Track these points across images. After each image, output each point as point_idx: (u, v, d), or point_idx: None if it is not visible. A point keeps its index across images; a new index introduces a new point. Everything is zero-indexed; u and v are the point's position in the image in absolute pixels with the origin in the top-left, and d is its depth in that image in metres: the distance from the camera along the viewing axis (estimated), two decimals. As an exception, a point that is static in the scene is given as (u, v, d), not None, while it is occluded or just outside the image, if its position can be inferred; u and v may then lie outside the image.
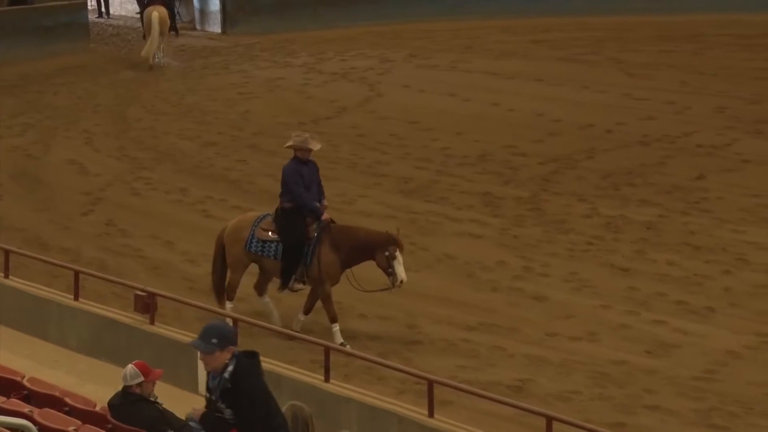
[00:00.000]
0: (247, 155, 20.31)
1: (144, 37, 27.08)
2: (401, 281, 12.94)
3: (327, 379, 11.70)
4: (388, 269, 12.92)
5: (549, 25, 28.28)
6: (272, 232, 13.20)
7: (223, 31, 29.64)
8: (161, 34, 26.02)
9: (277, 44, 28.02)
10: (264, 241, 13.19)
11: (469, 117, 22.07)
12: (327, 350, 11.76)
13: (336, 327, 13.08)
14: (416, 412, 11.14)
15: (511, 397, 11.45)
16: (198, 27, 30.39)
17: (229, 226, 13.58)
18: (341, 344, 12.87)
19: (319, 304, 13.34)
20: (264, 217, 13.42)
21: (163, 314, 12.99)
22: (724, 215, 16.92)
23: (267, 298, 13.56)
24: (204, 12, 30.33)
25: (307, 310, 13.33)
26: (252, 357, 8.27)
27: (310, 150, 13.43)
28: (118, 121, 22.40)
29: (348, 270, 13.22)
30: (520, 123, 21.56)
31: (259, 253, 13.23)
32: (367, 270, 13.34)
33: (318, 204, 13.21)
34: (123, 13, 32.33)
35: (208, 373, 8.32)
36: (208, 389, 8.32)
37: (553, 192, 18.18)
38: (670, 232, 16.44)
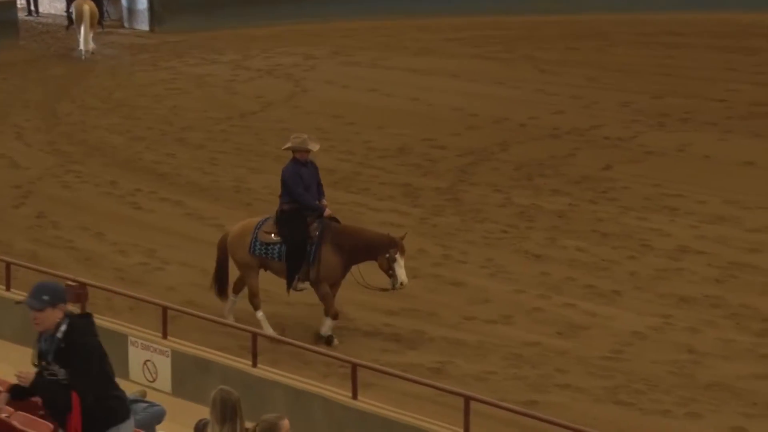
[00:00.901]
0: (176, 149, 20.12)
1: (67, 28, 26.93)
2: (401, 283, 12.54)
3: (255, 364, 11.64)
4: (389, 271, 12.54)
5: (463, 24, 28.43)
6: (274, 234, 12.80)
7: (151, 29, 29.35)
8: (91, 26, 25.86)
9: (204, 42, 27.81)
10: (267, 244, 12.80)
11: (390, 111, 22.09)
12: (254, 336, 11.70)
13: (329, 321, 12.69)
14: (341, 394, 11.13)
15: (431, 379, 11.48)
16: (126, 25, 30.05)
17: (231, 233, 13.13)
18: (327, 338, 12.58)
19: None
20: (265, 220, 12.96)
21: (94, 303, 12.82)
22: (629, 204, 17.14)
23: (235, 298, 13.16)
24: (132, 10, 29.99)
25: (335, 315, 12.80)
26: (86, 317, 8.12)
27: (308, 151, 12.89)
28: (48, 116, 22.06)
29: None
30: (439, 117, 21.64)
31: (264, 256, 12.83)
32: (370, 268, 12.92)
33: (318, 203, 12.79)
34: (52, 11, 31.86)
35: (39, 338, 8.06)
36: (40, 354, 8.04)
37: (470, 183, 18.27)
38: (580, 220, 16.60)
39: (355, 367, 11.07)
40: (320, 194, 13.01)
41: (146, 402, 8.80)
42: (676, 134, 20.17)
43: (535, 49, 26.28)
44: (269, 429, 7.34)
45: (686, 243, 15.52)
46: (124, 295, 12.92)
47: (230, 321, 12.89)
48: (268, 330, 12.83)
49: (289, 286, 12.89)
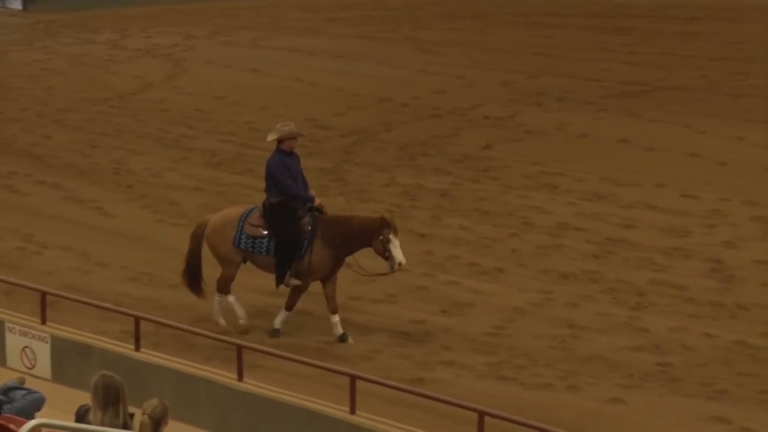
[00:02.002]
0: (53, 131, 19.66)
1: None
2: (399, 264, 12.00)
3: (137, 348, 11.45)
4: (385, 253, 12.03)
5: (345, 4, 28.36)
6: (262, 227, 12.20)
7: (24, 8, 28.64)
8: None
9: (79, 21, 27.22)
10: (254, 238, 12.20)
11: (273, 92, 21.93)
12: (137, 320, 11.50)
13: (285, 313, 12.30)
14: (226, 376, 11.02)
15: (317, 359, 11.44)
16: (-2, 4, 29.26)
17: (209, 223, 12.41)
18: (273, 331, 12.20)
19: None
20: (250, 211, 12.32)
21: (-29, 289, 12.47)
22: (510, 182, 17.33)
23: (233, 297, 12.57)
24: (5, -11, 29.21)
25: (334, 310, 12.29)
26: None
27: (296, 139, 12.43)
28: None
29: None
30: (322, 97, 21.56)
31: (250, 250, 12.22)
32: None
33: (307, 193, 12.25)
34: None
35: None
36: None
37: (354, 163, 18.25)
38: (462, 198, 16.72)
39: (240, 348, 10.97)
40: (305, 186, 12.39)
41: (24, 389, 8.57)
42: (554, 113, 20.45)
43: (416, 29, 26.36)
44: (163, 413, 7.22)
45: (565, 220, 15.75)
46: (0, 280, 12.57)
47: (221, 323, 12.38)
48: (219, 317, 12.35)
49: (280, 281, 12.27)
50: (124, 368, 10.54)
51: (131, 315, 11.70)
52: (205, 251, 12.59)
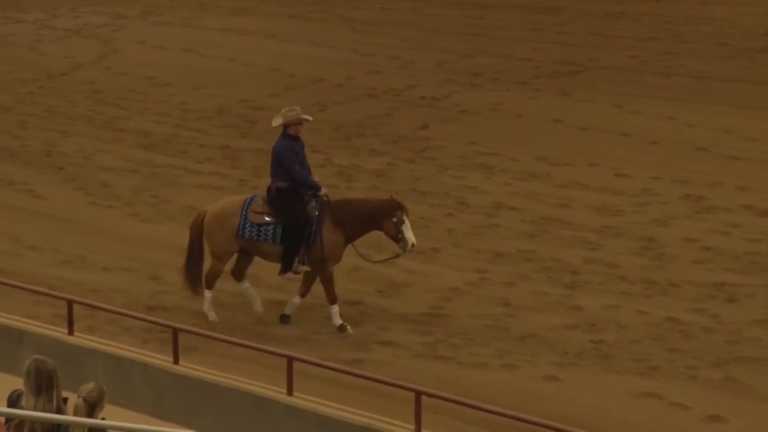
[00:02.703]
0: (-18, 113, 19.31)
1: None
2: (413, 245, 11.88)
3: (71, 332, 11.31)
4: (398, 235, 11.84)
5: (278, -16, 28.14)
6: (267, 215, 11.88)
7: (-51, -14, 28.03)
8: None
9: (6, 0, 26.71)
10: (260, 225, 11.86)
11: (206, 72, 21.73)
12: (70, 303, 11.35)
13: (335, 308, 11.98)
14: (162, 359, 10.93)
15: (255, 341, 11.38)
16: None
17: (209, 212, 12.08)
18: (341, 326, 11.91)
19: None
20: (252, 199, 11.99)
21: None
22: (445, 162, 17.36)
23: (247, 284, 12.22)
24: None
25: (304, 293, 12.16)
26: None
27: (302, 124, 12.14)
28: None
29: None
30: (256, 78, 21.41)
31: (255, 238, 11.88)
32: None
33: (314, 180, 12.00)
34: None
35: None
36: None
37: (288, 143, 18.12)
38: (398, 179, 16.72)
39: (176, 331, 10.88)
40: (308, 171, 12.16)
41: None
42: (489, 93, 20.51)
43: (349, 9, 26.26)
44: (99, 396, 7.12)
45: (500, 199, 15.82)
46: None
47: (259, 310, 12.11)
48: (210, 311, 12.11)
49: (287, 269, 12.00)
50: (58, 353, 10.40)
51: (64, 298, 11.55)
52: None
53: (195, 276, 12.15)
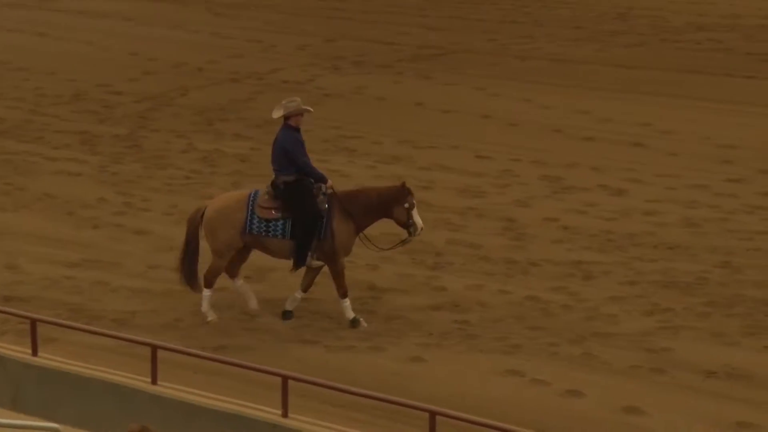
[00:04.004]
0: None
1: None
2: (422, 228, 11.80)
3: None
4: (409, 221, 11.72)
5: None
6: (276, 209, 11.59)
7: None
8: None
9: None
10: (268, 220, 11.57)
11: (62, 56, 21.26)
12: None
13: (347, 302, 11.77)
14: (20, 351, 10.68)
15: (117, 330, 11.22)
16: None
17: (210, 209, 11.70)
18: (353, 320, 11.69)
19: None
20: (256, 194, 11.67)
21: None
22: (309, 146, 17.12)
23: (241, 281, 11.94)
24: None
25: (306, 287, 11.92)
26: None
27: (302, 114, 11.83)
28: None
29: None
30: (114, 62, 21.04)
31: (264, 234, 11.59)
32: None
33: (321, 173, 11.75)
34: None
35: None
36: None
37: (150, 129, 17.91)
38: (263, 163, 16.58)
39: (34, 322, 10.65)
40: None
41: None
42: (352, 77, 20.56)
43: (211, -8, 25.99)
44: None
45: (364, 183, 15.86)
46: None
47: (254, 307, 11.79)
48: (208, 310, 11.79)
49: (301, 264, 11.74)
50: None
51: None
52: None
53: (192, 273, 11.83)
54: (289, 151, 11.71)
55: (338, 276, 11.84)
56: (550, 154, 16.92)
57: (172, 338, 11.33)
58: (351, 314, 11.85)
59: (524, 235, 14.09)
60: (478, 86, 20.00)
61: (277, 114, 11.92)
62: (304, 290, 11.99)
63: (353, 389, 9.84)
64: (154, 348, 10.27)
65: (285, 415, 9.85)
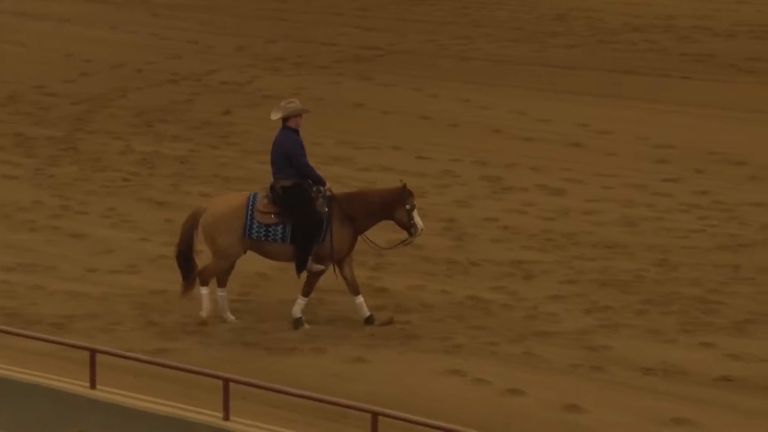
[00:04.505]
0: None
1: None
2: (422, 229, 11.74)
3: None
4: (410, 221, 11.65)
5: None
6: (275, 214, 11.47)
7: None
8: None
9: None
10: (268, 225, 11.45)
11: (-3, 58, 21.00)
12: None
13: (360, 299, 11.75)
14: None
15: (55, 334, 11.09)
16: None
17: (209, 213, 11.57)
18: (368, 318, 11.66)
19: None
20: (254, 197, 11.54)
21: None
22: (250, 147, 17.30)
23: (207, 290, 11.76)
24: None
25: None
26: None
27: (301, 116, 11.71)
28: None
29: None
30: (50, 63, 20.83)
31: (263, 239, 11.48)
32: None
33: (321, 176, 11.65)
34: None
35: None
36: None
37: (87, 131, 17.76)
38: (203, 165, 16.59)
39: (-31, 328, 10.48)
40: None
41: None
42: (291, 78, 20.53)
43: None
44: None
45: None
46: None
47: (230, 318, 11.71)
48: (207, 308, 11.70)
49: (302, 268, 11.64)
50: None
51: None
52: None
53: (189, 271, 11.73)
54: (289, 154, 11.61)
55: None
56: (490, 155, 17.01)
57: (110, 342, 11.23)
58: (366, 312, 11.76)
59: (465, 235, 14.16)
60: (418, 87, 20.05)
61: (276, 116, 11.82)
62: (305, 295, 11.87)
63: (295, 391, 9.82)
64: (93, 352, 10.17)
65: (226, 417, 9.81)
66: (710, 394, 10.44)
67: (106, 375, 10.32)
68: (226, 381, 9.78)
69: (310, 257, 11.63)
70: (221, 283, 11.81)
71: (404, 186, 11.80)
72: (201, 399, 10.19)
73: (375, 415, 9.26)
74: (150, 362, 10.39)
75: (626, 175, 16.08)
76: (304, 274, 11.83)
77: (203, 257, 12.05)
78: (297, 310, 11.80)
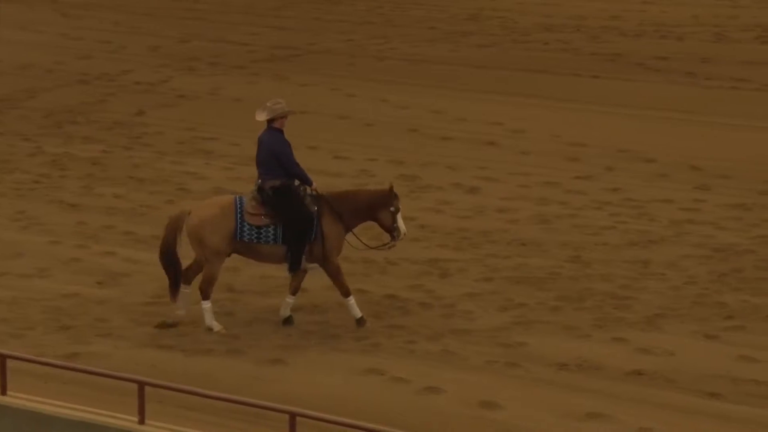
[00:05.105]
0: None
1: None
2: (404, 234, 11.79)
3: None
4: (393, 224, 11.68)
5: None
6: (265, 215, 11.39)
7: None
8: None
9: None
10: (259, 227, 11.37)
11: None
12: None
13: (351, 300, 11.68)
14: None
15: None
16: None
17: (194, 216, 11.43)
18: (359, 319, 11.60)
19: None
20: (241, 200, 11.43)
21: None
22: (164, 148, 17.15)
23: (189, 290, 11.63)
24: None
25: (295, 290, 11.75)
26: None
27: (286, 117, 11.69)
28: None
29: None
30: (-43, 64, 20.41)
31: (255, 241, 11.40)
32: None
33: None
34: None
35: None
36: None
37: (-4, 132, 17.44)
38: (115, 166, 16.40)
39: None
40: None
41: None
42: (207, 78, 20.38)
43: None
44: None
45: (222, 185, 15.78)
46: None
47: (182, 314, 11.53)
48: (212, 322, 11.50)
49: (296, 267, 11.63)
50: None
51: None
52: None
53: (177, 277, 11.62)
54: (278, 153, 11.59)
55: (334, 276, 11.78)
56: (407, 154, 17.07)
57: (21, 347, 11.03)
58: (358, 313, 11.74)
59: (382, 234, 14.15)
60: (335, 87, 20.04)
61: (262, 117, 11.78)
62: (293, 293, 11.87)
63: (211, 393, 9.74)
64: (3, 357, 9.98)
65: (141, 421, 9.69)
66: (623, 388, 10.59)
67: (16, 380, 10.14)
68: (141, 384, 9.67)
69: (303, 256, 11.64)
70: (205, 296, 11.65)
71: (391, 188, 11.87)
72: (116, 403, 10.06)
73: (293, 415, 9.23)
74: (62, 366, 10.24)
75: (540, 173, 16.25)
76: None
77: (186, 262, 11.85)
78: (287, 309, 11.82)
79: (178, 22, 23.69)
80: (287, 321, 11.84)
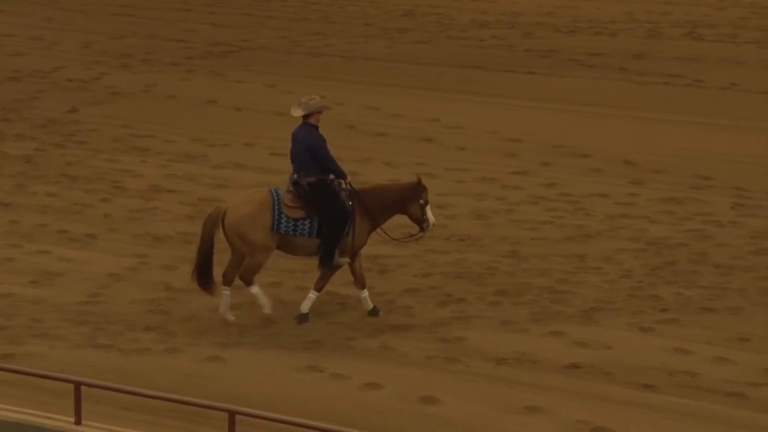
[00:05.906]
0: None
1: None
2: (433, 224, 11.97)
3: None
4: (423, 217, 11.82)
5: None
6: (301, 209, 11.54)
7: None
8: None
9: None
10: (296, 220, 11.50)
11: None
12: None
13: (365, 293, 11.87)
14: None
15: None
16: None
17: (233, 211, 11.51)
18: (372, 310, 11.77)
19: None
20: (277, 193, 11.54)
21: None
22: (98, 146, 16.99)
23: (229, 290, 11.72)
24: None
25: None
26: None
27: (321, 112, 11.79)
28: None
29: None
30: None
31: (291, 233, 11.53)
32: None
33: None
34: None
35: None
36: None
37: None
38: (48, 164, 16.21)
39: None
40: None
41: None
42: (141, 75, 20.20)
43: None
44: None
45: (158, 182, 15.65)
46: None
47: (230, 318, 11.54)
48: (266, 302, 11.64)
49: (328, 262, 11.71)
50: None
51: None
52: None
53: (208, 278, 11.70)
54: (314, 149, 11.69)
55: (361, 270, 11.94)
56: (344, 150, 16.96)
57: (-45, 349, 10.86)
58: (370, 305, 11.89)
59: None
60: (270, 83, 19.96)
61: (298, 113, 11.89)
62: (318, 290, 11.93)
63: (148, 392, 9.65)
64: (-63, 360, 9.80)
65: (78, 422, 9.58)
66: (560, 381, 10.68)
67: (-50, 383, 9.97)
68: (77, 384, 9.55)
69: (336, 251, 11.74)
70: (249, 282, 11.76)
71: (419, 181, 12.01)
72: (51, 404, 9.94)
73: (232, 413, 9.17)
74: (-3, 368, 10.08)
75: (477, 168, 16.32)
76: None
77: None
78: (307, 306, 11.86)
79: (112, 19, 23.46)
80: (303, 318, 11.84)
